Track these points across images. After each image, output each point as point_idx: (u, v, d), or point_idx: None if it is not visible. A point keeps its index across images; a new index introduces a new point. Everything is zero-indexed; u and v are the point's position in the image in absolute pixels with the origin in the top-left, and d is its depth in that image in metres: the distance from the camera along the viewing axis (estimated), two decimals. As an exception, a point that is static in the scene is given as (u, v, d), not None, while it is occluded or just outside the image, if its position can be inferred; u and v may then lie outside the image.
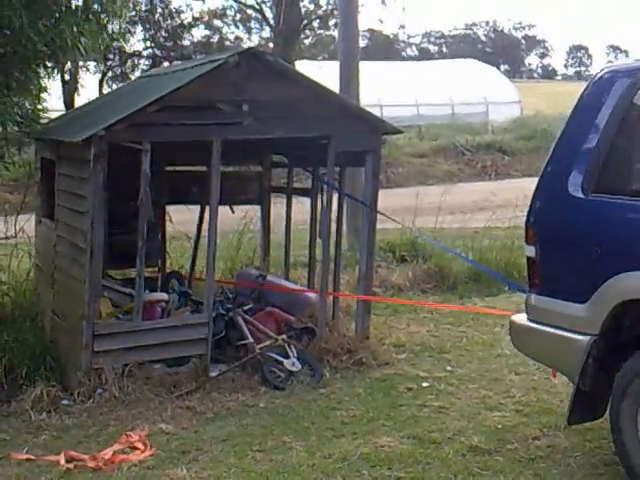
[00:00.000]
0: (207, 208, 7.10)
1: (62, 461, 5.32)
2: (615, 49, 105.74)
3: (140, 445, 5.52)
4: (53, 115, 9.73)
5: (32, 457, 5.46)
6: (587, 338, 4.74)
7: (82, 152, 6.50)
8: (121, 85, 22.55)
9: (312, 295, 7.97)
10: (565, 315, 4.90)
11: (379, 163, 7.55)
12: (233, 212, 8.82)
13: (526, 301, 5.27)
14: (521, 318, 5.34)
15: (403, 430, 5.71)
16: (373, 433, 5.66)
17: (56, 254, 7.35)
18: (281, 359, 6.77)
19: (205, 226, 7.42)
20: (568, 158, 5.09)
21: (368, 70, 18.51)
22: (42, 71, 8.70)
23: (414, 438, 5.56)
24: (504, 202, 14.21)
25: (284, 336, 7.06)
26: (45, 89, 8.99)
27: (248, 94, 6.72)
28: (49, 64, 8.58)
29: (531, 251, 5.17)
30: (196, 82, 6.57)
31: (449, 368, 7.15)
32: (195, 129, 6.60)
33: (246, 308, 7.47)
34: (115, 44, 16.85)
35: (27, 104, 8.73)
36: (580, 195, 4.94)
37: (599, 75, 5.20)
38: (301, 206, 8.94)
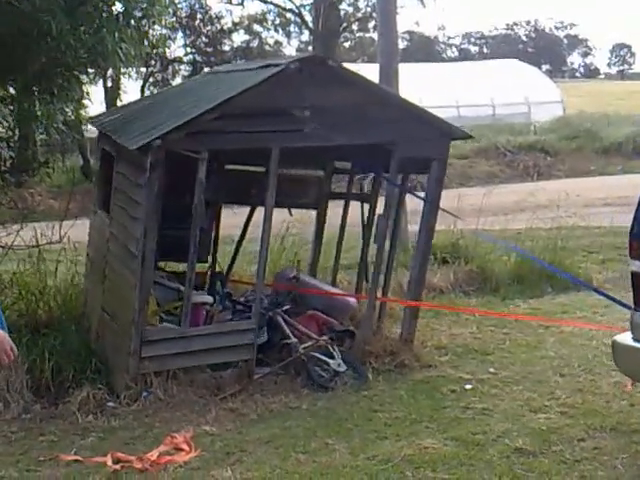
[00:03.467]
0: (258, 210, 6.96)
1: (109, 462, 5.38)
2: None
3: (185, 446, 5.57)
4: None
5: (80, 458, 5.54)
6: None
7: (138, 157, 6.40)
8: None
9: (350, 298, 7.96)
10: None
11: (445, 169, 7.29)
12: (291, 215, 8.80)
13: (631, 320, 4.99)
14: (625, 338, 5.04)
15: (446, 432, 5.69)
16: (416, 435, 5.65)
17: (108, 251, 7.33)
18: (327, 359, 6.77)
19: (254, 229, 7.34)
20: None
21: (408, 71, 18.47)
22: (84, 77, 8.83)
23: (458, 440, 5.54)
24: (547, 203, 14.07)
25: (326, 337, 7.07)
26: (87, 95, 9.11)
27: (310, 100, 6.51)
28: (90, 70, 8.69)
29: (637, 266, 4.86)
30: (256, 89, 6.40)
31: (492, 370, 7.10)
32: (254, 136, 6.44)
33: (284, 309, 7.47)
34: (156, 50, 17.06)
35: (69, 111, 8.86)
36: None
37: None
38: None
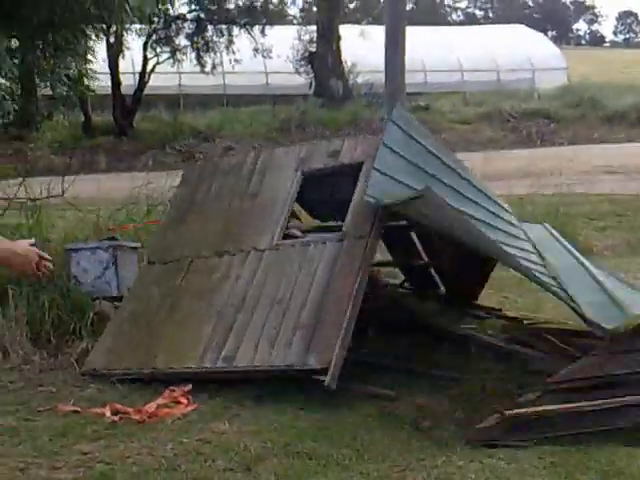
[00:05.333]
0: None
1: (108, 413, 5.44)
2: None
3: (183, 400, 5.63)
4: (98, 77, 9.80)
5: (78, 409, 5.59)
6: None
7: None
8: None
9: None
10: None
11: None
12: None
13: None
14: None
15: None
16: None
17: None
18: None
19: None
20: None
21: (412, 35, 18.28)
22: (90, 32, 8.78)
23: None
24: (549, 169, 14.07)
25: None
26: (92, 50, 9.07)
27: None
28: (97, 25, 8.64)
29: None
30: None
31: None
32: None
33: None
34: (160, 6, 16.87)
35: (74, 65, 8.82)
36: None
37: None
38: None
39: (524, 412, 4.79)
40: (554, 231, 7.42)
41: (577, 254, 6.66)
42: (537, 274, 5.73)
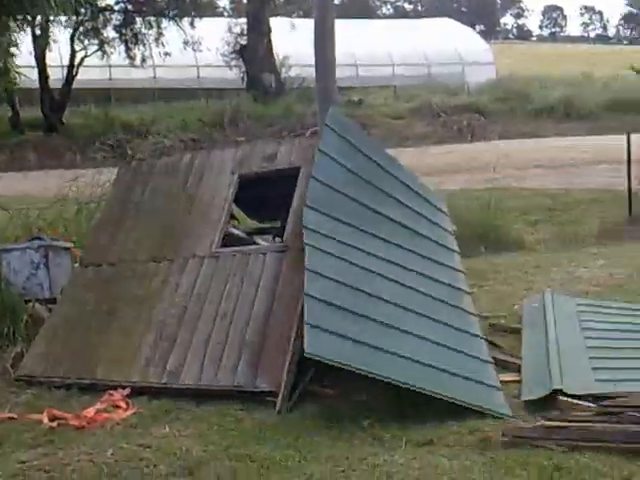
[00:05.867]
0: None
1: (45, 420, 5.34)
2: (589, 10, 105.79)
3: (122, 404, 5.56)
4: (24, 71, 9.58)
5: (14, 416, 5.48)
6: None
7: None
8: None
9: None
10: None
11: None
12: None
13: None
14: None
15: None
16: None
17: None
18: None
19: None
20: None
21: (343, 29, 18.35)
22: (12, 24, 8.54)
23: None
24: (480, 164, 14.30)
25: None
26: (15, 43, 8.83)
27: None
28: (19, 17, 8.41)
29: None
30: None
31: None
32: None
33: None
34: (87, -2, 16.53)
35: (-2, 59, 8.58)
36: None
37: None
38: None
39: (566, 419, 4.74)
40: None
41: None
42: None
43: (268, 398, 5.52)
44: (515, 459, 4.43)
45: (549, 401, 5.24)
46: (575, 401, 5.14)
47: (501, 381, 5.69)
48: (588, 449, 4.33)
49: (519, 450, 4.53)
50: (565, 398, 5.20)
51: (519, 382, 5.74)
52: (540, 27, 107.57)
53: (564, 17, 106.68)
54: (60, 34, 25.20)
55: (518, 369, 5.99)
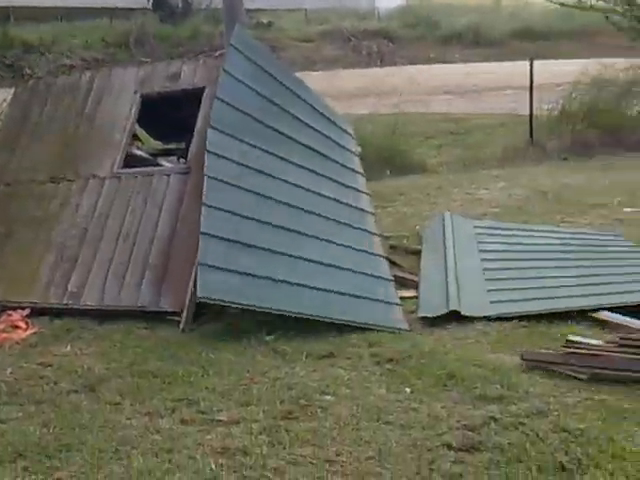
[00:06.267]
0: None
1: (-59, 340, 5.26)
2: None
3: (22, 324, 5.50)
4: None
5: None
6: None
7: None
8: None
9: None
10: None
11: None
12: None
13: None
14: None
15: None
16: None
17: None
18: None
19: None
20: None
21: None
22: None
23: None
24: (389, 89, 14.35)
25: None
26: None
27: None
28: None
29: None
30: None
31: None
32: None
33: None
34: None
35: None
36: None
37: None
38: None
39: (585, 348, 4.65)
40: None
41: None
42: None
43: (173, 318, 5.55)
44: (411, 369, 4.61)
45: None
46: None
47: (400, 297, 5.88)
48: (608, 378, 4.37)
49: (414, 362, 4.71)
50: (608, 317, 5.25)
51: (417, 298, 5.93)
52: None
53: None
54: None
55: (416, 286, 6.18)
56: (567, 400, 4.16)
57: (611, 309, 5.36)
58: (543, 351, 4.71)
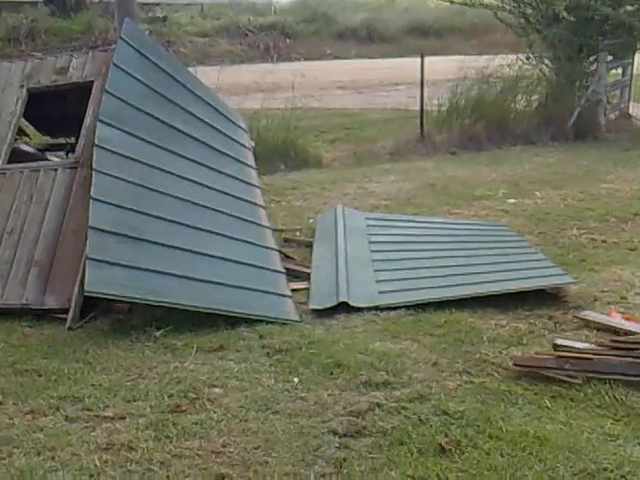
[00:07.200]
0: None
1: None
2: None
3: None
4: None
5: None
6: None
7: None
8: None
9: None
10: None
11: None
12: None
13: None
14: None
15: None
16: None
17: None
18: None
19: None
20: None
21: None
22: None
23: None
24: (284, 84, 14.39)
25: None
26: None
27: None
28: None
29: None
30: None
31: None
32: None
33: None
34: None
35: None
36: None
37: None
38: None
39: (578, 352, 4.55)
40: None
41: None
42: None
43: (59, 315, 5.46)
44: (299, 359, 4.67)
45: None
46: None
47: (292, 289, 5.93)
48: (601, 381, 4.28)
49: (303, 352, 4.77)
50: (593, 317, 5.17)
51: (308, 289, 6.00)
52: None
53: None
54: None
55: (308, 278, 6.25)
56: (448, 384, 4.30)
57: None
58: (535, 356, 4.59)
